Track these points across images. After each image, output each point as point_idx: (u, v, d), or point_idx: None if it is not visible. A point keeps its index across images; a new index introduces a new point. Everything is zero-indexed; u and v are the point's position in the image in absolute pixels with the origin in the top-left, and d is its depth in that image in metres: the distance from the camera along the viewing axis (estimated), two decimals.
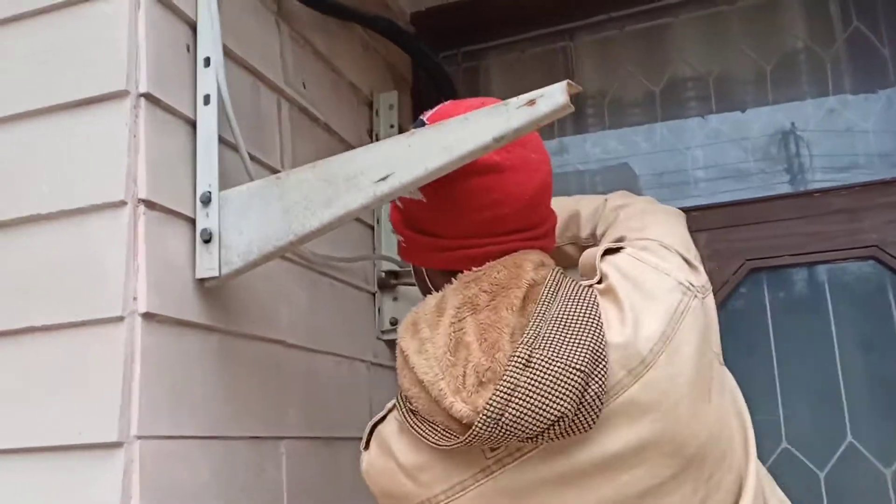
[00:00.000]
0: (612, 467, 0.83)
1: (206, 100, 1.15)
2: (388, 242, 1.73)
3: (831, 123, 1.86)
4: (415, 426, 0.85)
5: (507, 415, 0.78)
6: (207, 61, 1.16)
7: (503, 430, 0.78)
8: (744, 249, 1.76)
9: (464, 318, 0.85)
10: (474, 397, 0.79)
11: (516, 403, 0.78)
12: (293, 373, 1.34)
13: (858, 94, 1.86)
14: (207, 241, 1.10)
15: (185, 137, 1.14)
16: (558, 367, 0.78)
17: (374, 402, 1.61)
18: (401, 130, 1.81)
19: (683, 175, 1.92)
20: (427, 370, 0.82)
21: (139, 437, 0.97)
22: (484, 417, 0.78)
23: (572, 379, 0.78)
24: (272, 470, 1.25)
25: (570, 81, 0.82)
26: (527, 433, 0.78)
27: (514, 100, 0.86)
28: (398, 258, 1.71)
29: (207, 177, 1.12)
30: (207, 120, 1.15)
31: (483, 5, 2.03)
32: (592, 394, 0.78)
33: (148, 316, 1.01)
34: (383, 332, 1.67)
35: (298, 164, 1.42)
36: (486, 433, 0.79)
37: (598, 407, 0.79)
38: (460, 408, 0.80)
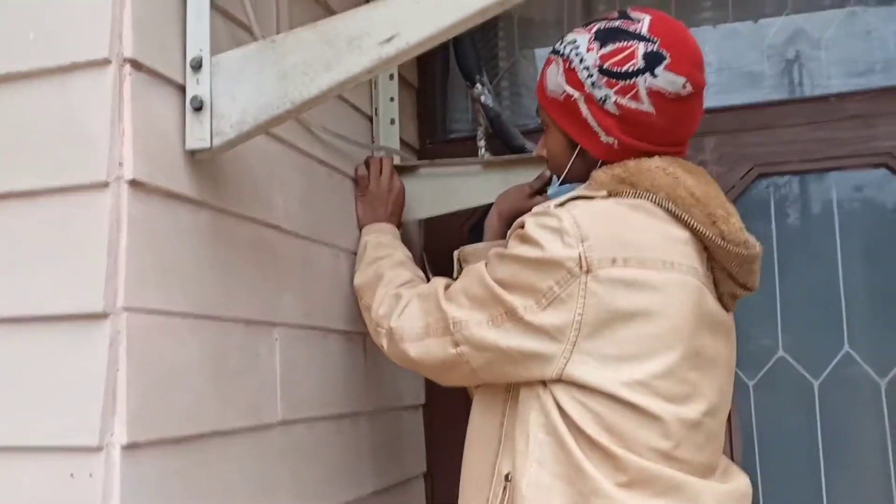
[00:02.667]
0: (728, 340, 1.14)
1: None
2: (388, 135, 1.67)
3: (850, 28, 1.78)
4: (688, 220, 1.05)
5: (759, 261, 1.13)
6: None
7: (755, 268, 1.12)
8: (752, 154, 1.71)
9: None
10: (751, 236, 1.11)
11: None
12: (289, 260, 1.30)
13: (880, 3, 1.78)
14: (198, 110, 1.03)
15: None
16: None
17: None
18: None
19: None
20: (714, 199, 1.08)
21: (126, 309, 0.93)
22: (760, 249, 1.12)
23: None
24: (266, 355, 1.22)
25: None
26: (752, 283, 1.13)
27: None
28: (399, 150, 1.66)
29: (199, 40, 1.05)
30: None
31: None
32: None
33: (135, 184, 0.95)
34: None
35: None
36: (755, 260, 1.11)
37: None
38: (749, 238, 1.09)
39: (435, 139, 1.97)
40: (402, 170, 1.60)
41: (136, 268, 0.95)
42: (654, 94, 1.08)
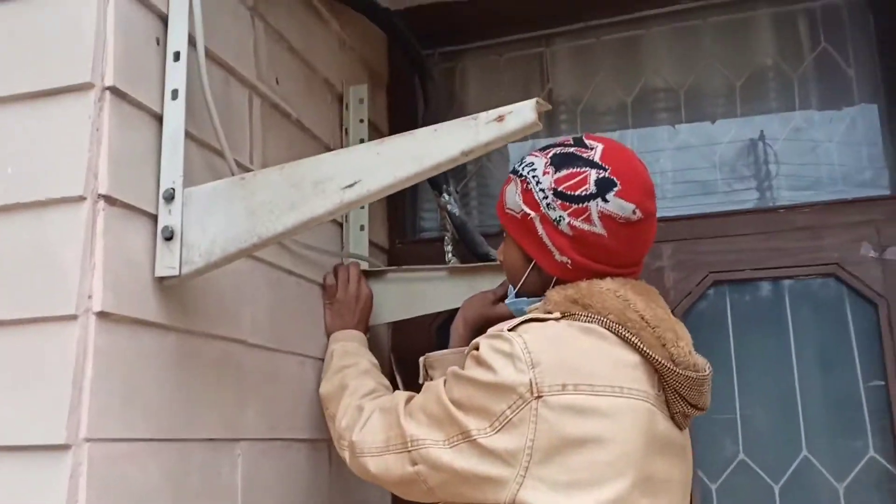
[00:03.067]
0: (683, 461, 1.15)
1: (175, 94, 1.13)
2: (357, 241, 1.72)
3: (797, 141, 1.89)
4: (636, 343, 1.08)
5: (709, 382, 1.14)
6: (177, 55, 1.14)
7: (705, 389, 1.13)
8: (707, 262, 1.78)
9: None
10: (700, 358, 1.14)
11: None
12: (254, 373, 1.33)
13: (824, 113, 1.90)
14: (169, 239, 1.08)
15: (150, 132, 1.12)
16: None
17: None
18: (370, 126, 1.79)
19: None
20: (664, 322, 1.11)
21: (88, 440, 0.95)
22: (710, 373, 1.14)
23: None
24: (227, 472, 1.23)
25: (540, 100, 0.82)
26: (703, 403, 1.14)
27: (483, 115, 0.86)
28: (367, 257, 1.70)
29: (172, 173, 1.10)
30: (175, 115, 1.12)
31: (461, 7, 2.02)
32: None
33: (103, 315, 0.99)
34: None
35: (269, 160, 1.40)
36: (705, 383, 1.13)
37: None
38: (699, 359, 1.13)
39: (405, 240, 2.02)
40: (370, 274, 1.65)
41: (100, 398, 0.98)
42: (606, 218, 1.13)
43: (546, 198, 1.15)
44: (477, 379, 1.08)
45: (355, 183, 0.94)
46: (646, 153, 1.95)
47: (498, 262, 1.64)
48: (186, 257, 1.07)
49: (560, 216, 1.14)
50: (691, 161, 1.93)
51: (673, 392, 1.11)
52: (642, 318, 1.10)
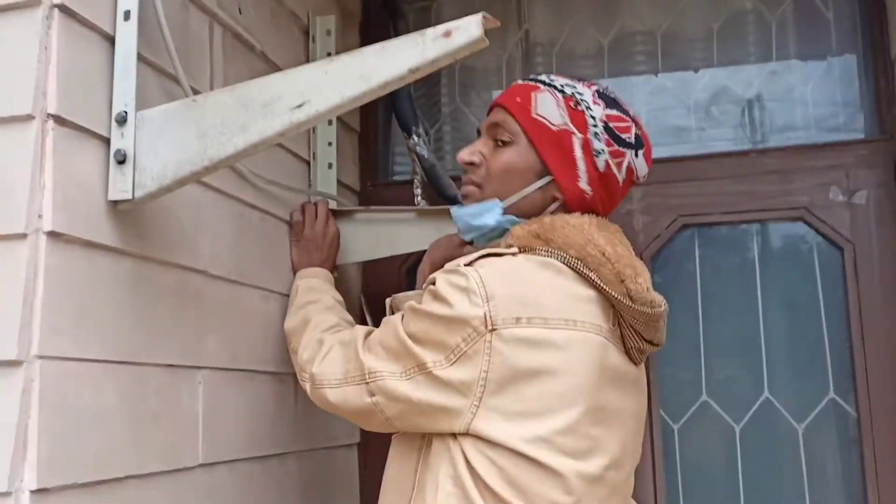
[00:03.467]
0: (636, 393, 1.17)
1: (127, 15, 1.11)
2: (325, 179, 1.71)
3: (772, 86, 1.88)
4: (593, 278, 1.09)
5: (664, 319, 1.15)
6: None
7: (661, 325, 1.15)
8: (676, 205, 1.79)
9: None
10: (657, 295, 1.13)
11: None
12: (215, 304, 1.33)
13: (801, 59, 1.88)
14: (121, 163, 1.07)
15: (102, 53, 1.10)
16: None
17: None
18: None
19: None
20: (624, 258, 1.11)
21: (40, 357, 0.95)
22: (665, 309, 1.14)
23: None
24: (188, 399, 1.24)
25: (486, 14, 0.81)
26: (657, 339, 1.15)
27: (430, 30, 0.85)
28: (334, 195, 1.70)
29: (124, 96, 1.08)
30: (127, 36, 1.10)
31: None
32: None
33: (53, 235, 0.99)
34: None
35: None
36: (660, 317, 1.13)
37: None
38: (655, 296, 1.12)
39: (376, 182, 2.02)
40: (338, 214, 1.65)
41: (52, 316, 0.98)
42: (629, 171, 1.19)
43: (595, 126, 1.16)
44: (433, 313, 1.09)
45: (304, 103, 0.93)
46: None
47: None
48: (139, 181, 1.06)
49: (602, 149, 1.16)
50: (666, 105, 1.92)
51: (629, 327, 1.13)
52: (602, 254, 1.10)
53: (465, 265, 1.10)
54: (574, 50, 2.02)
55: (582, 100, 1.17)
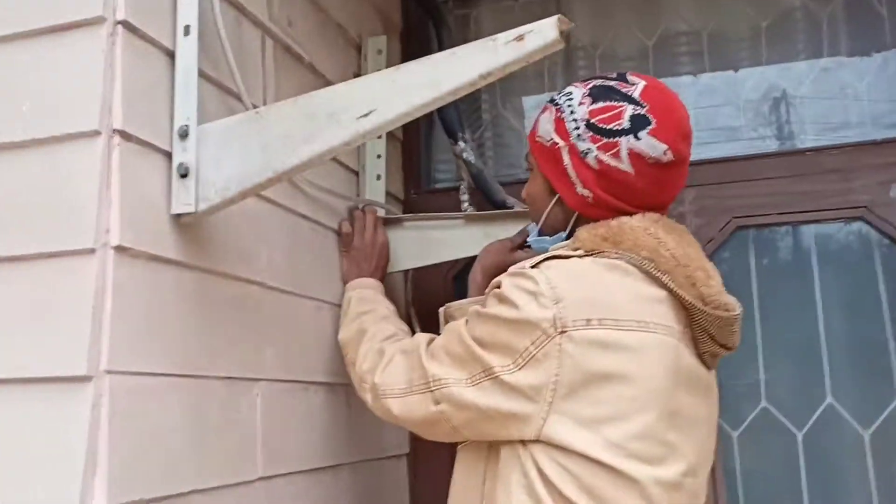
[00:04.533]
0: (710, 399, 1.14)
1: (187, 30, 1.11)
2: (373, 191, 1.70)
3: (825, 83, 1.84)
4: (665, 280, 1.07)
5: (738, 322, 1.12)
6: None
7: (735, 329, 1.12)
8: (730, 207, 1.75)
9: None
10: (731, 298, 1.12)
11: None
12: (272, 315, 1.33)
13: (854, 55, 1.84)
14: (184, 176, 1.07)
15: (163, 68, 1.10)
16: None
17: None
18: None
19: None
20: (696, 261, 1.09)
21: (109, 372, 0.95)
22: (741, 311, 1.12)
23: None
24: (247, 411, 1.24)
25: (562, 16, 0.79)
26: (732, 342, 1.13)
27: (502, 35, 0.83)
28: (383, 203, 1.69)
29: (186, 110, 1.09)
30: (187, 51, 1.11)
31: None
32: None
33: (120, 249, 0.99)
34: None
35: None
36: (735, 323, 1.11)
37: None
38: (729, 299, 1.10)
39: (420, 190, 2.01)
40: (386, 222, 1.64)
41: (120, 331, 0.98)
42: (635, 156, 1.11)
43: (577, 128, 1.13)
44: (499, 316, 1.07)
45: (370, 112, 0.92)
46: None
47: (516, 209, 1.64)
48: (202, 194, 1.06)
49: (588, 148, 1.12)
50: (715, 105, 1.88)
51: (701, 331, 1.10)
52: (673, 256, 1.08)
53: (530, 267, 1.08)
54: (616, 52, 1.99)
55: (568, 105, 1.15)
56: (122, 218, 0.99)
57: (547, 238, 1.22)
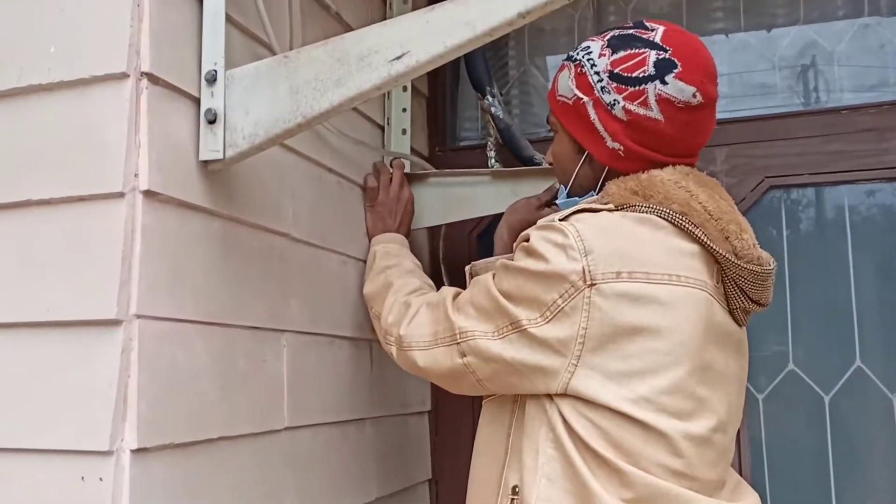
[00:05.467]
0: (741, 355, 1.13)
1: None
2: (399, 145, 1.68)
3: (863, 41, 1.78)
4: (698, 234, 1.05)
5: (772, 278, 1.11)
6: None
7: (769, 284, 1.10)
8: (763, 166, 1.71)
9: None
10: (764, 252, 1.10)
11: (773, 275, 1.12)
12: (297, 267, 1.32)
13: (894, 15, 1.77)
14: (212, 122, 1.06)
15: (190, 12, 1.08)
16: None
17: None
18: None
19: None
20: (728, 214, 1.07)
21: (138, 316, 0.95)
22: (774, 268, 1.11)
23: None
24: (273, 361, 1.24)
25: None
26: (765, 299, 1.12)
27: None
28: (410, 156, 1.67)
29: (213, 54, 1.07)
30: None
31: None
32: None
33: (149, 194, 0.98)
34: None
35: None
36: (768, 277, 1.09)
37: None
38: (762, 253, 1.08)
39: (445, 147, 1.98)
40: (411, 178, 1.62)
41: (149, 276, 0.98)
42: (664, 102, 1.08)
43: (601, 81, 1.10)
44: (528, 269, 1.05)
45: (403, 55, 0.90)
46: None
47: (544, 165, 1.61)
48: (230, 140, 1.05)
49: (615, 100, 1.09)
50: (749, 62, 1.83)
51: (734, 286, 1.08)
52: (706, 210, 1.05)
53: (560, 220, 1.06)
54: (648, 7, 1.94)
55: (588, 59, 1.12)
56: (150, 163, 0.98)
57: (576, 199, 1.19)
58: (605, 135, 1.11)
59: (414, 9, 1.69)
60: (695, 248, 1.05)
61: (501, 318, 1.07)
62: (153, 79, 1.00)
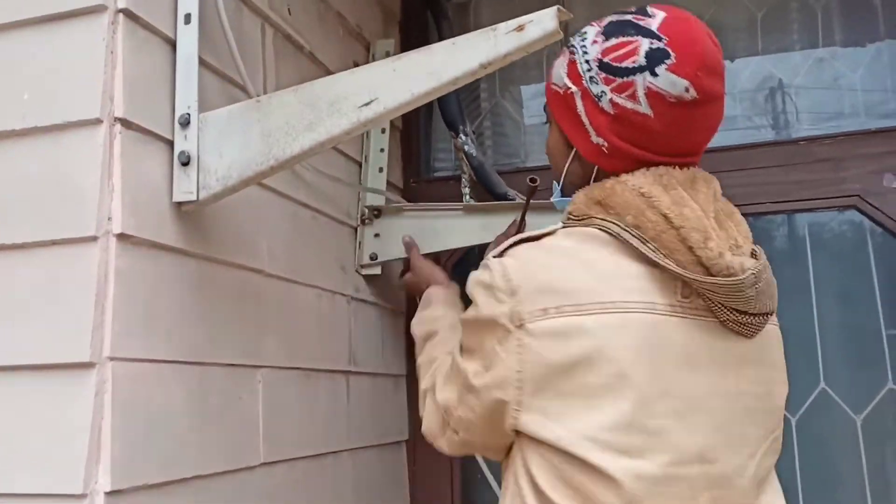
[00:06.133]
0: (743, 370, 0.97)
1: (188, 19, 1.12)
2: (374, 179, 1.72)
3: (819, 74, 1.85)
4: (645, 248, 0.94)
5: (758, 285, 0.92)
6: None
7: (750, 294, 0.92)
8: (726, 196, 1.75)
9: (716, 200, 1.00)
10: (738, 259, 0.92)
11: (763, 283, 0.93)
12: (272, 303, 1.34)
13: (847, 46, 1.85)
14: (185, 164, 1.08)
15: (164, 57, 1.11)
16: (770, 275, 0.96)
17: (353, 336, 1.61)
18: None
19: None
20: (693, 221, 0.93)
21: (112, 359, 0.97)
22: (751, 276, 0.91)
23: (775, 290, 0.97)
24: (248, 398, 1.25)
25: (561, 7, 0.80)
26: (755, 308, 0.94)
27: (502, 25, 0.84)
28: (384, 191, 1.70)
29: (187, 98, 1.09)
30: (188, 39, 1.11)
31: None
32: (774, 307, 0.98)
33: (123, 237, 1.00)
34: (363, 266, 1.67)
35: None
36: (746, 286, 0.91)
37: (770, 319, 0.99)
38: (730, 259, 0.92)
39: (419, 178, 2.02)
40: (386, 211, 1.65)
41: (122, 318, 0.99)
42: (653, 96, 0.98)
43: (590, 70, 1.01)
44: (467, 318, 1.02)
45: (372, 101, 0.93)
46: None
47: (516, 201, 1.64)
48: (203, 182, 1.07)
49: (602, 91, 1.00)
50: None
51: (709, 299, 0.96)
52: (665, 219, 0.94)
53: (493, 256, 1.00)
54: None
55: (581, 46, 1.03)
56: (123, 206, 1.00)
57: (568, 199, 1.09)
58: (589, 129, 1.02)
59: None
60: (641, 268, 0.96)
61: (457, 378, 1.04)
62: (126, 123, 1.02)
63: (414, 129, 2.03)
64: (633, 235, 0.95)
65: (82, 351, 0.95)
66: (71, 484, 0.93)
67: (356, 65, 1.74)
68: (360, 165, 1.72)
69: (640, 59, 0.98)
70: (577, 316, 0.93)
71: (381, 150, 1.74)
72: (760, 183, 1.75)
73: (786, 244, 1.79)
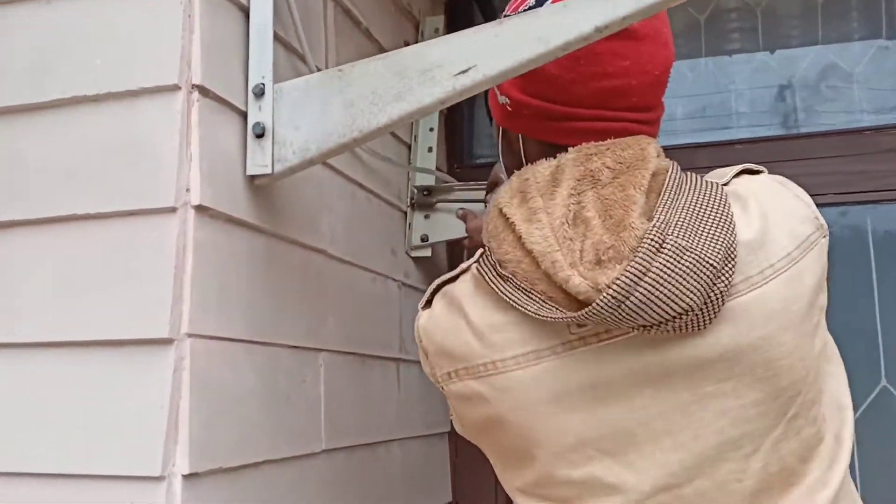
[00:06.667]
0: (698, 373, 0.77)
1: None
2: (424, 159, 1.68)
3: (884, 62, 1.80)
4: (504, 291, 0.79)
5: (633, 298, 0.72)
6: None
7: (624, 313, 0.73)
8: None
9: (584, 191, 0.79)
10: (594, 274, 0.73)
11: (645, 288, 0.72)
12: (333, 284, 1.29)
13: None
14: (260, 136, 1.03)
15: (238, 25, 1.06)
16: (691, 258, 0.72)
17: (404, 323, 1.57)
18: None
19: (727, 107, 1.86)
20: (540, 240, 0.77)
21: (190, 335, 0.92)
22: (608, 297, 0.72)
23: (703, 273, 0.73)
24: (311, 381, 1.21)
25: None
26: (647, 321, 0.73)
27: None
28: (435, 170, 1.66)
29: (261, 68, 1.05)
30: (262, 8, 1.07)
31: None
32: (717, 292, 0.74)
33: (201, 209, 0.95)
34: (414, 247, 1.63)
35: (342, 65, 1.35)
36: (607, 312, 0.73)
37: (718, 307, 0.74)
38: (578, 282, 0.74)
39: (462, 164, 1.98)
40: (438, 190, 1.62)
41: (200, 293, 0.95)
42: None
43: None
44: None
45: (469, 69, 0.88)
46: (720, 74, 1.87)
47: None
48: (278, 155, 1.03)
49: None
50: (770, 83, 1.84)
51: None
52: (520, 241, 0.79)
53: (425, 303, 0.92)
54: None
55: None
56: (202, 177, 0.95)
57: None
58: (496, 89, 0.91)
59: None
60: (505, 317, 0.81)
61: None
62: (204, 91, 0.98)
63: (458, 114, 1.98)
64: (494, 275, 0.81)
65: (161, 327, 0.91)
66: (148, 466, 0.89)
67: (406, 44, 1.70)
68: (409, 147, 1.68)
69: (531, 1, 0.89)
70: (470, 380, 0.84)
71: (431, 129, 1.70)
72: (822, 173, 1.70)
73: (848, 236, 1.74)
